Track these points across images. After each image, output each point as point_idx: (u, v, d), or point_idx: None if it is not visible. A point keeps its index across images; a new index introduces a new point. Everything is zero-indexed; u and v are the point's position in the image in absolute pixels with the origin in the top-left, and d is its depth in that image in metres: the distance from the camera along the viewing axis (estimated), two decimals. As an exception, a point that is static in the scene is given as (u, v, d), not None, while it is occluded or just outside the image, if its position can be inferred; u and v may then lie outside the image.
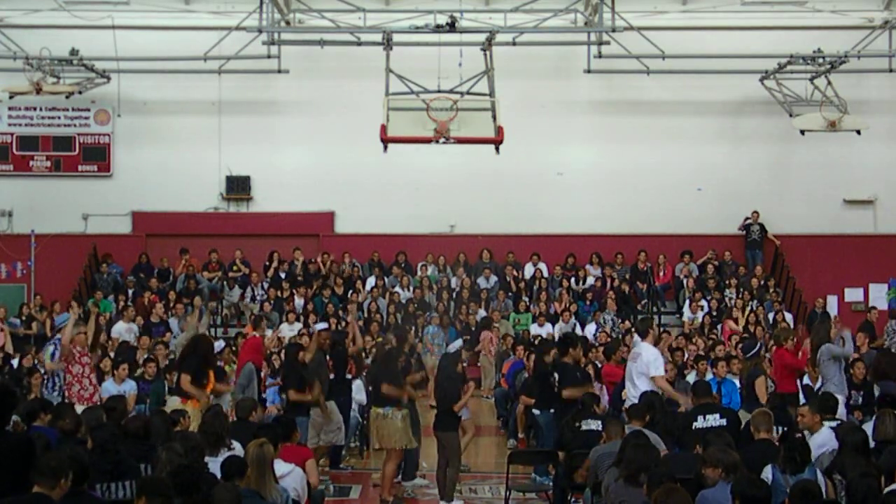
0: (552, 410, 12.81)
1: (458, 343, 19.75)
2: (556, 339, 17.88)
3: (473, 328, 21.24)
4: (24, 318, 20.97)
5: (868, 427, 9.33)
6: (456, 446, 11.95)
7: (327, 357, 13.70)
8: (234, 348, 16.64)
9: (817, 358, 13.28)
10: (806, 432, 9.47)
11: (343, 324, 19.63)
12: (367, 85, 21.33)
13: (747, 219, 23.90)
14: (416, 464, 13.35)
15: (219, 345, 15.59)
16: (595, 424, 10.73)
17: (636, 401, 11.13)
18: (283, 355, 15.24)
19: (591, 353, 16.05)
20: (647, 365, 12.19)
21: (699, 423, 10.16)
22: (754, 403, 12.34)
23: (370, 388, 13.68)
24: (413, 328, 17.90)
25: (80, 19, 22.75)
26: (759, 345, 15.23)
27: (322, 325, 14.40)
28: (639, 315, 22.33)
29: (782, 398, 12.01)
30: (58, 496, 6.34)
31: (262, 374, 14.98)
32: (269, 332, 19.08)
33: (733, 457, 7.61)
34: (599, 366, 15.33)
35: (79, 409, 10.47)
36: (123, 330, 19.59)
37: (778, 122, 23.34)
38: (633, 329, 19.30)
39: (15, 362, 15.66)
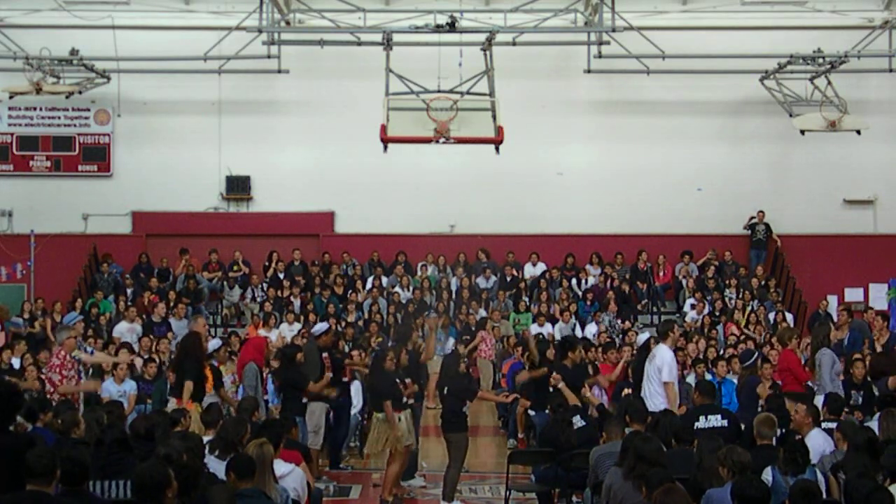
0: (548, 412, 12.84)
1: (452, 342, 19.73)
2: (555, 339, 17.94)
3: (473, 328, 21.24)
4: (26, 317, 20.94)
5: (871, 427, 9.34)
6: (460, 447, 11.95)
7: (322, 354, 13.66)
8: (229, 348, 16.60)
9: (815, 360, 13.29)
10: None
11: (343, 324, 19.64)
12: (367, 85, 21.33)
13: (752, 218, 23.91)
14: (415, 463, 13.37)
15: (215, 343, 15.65)
16: (578, 421, 11.03)
17: (651, 399, 11.27)
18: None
19: (590, 353, 16.07)
20: (659, 368, 12.20)
21: (701, 423, 10.18)
22: (749, 410, 12.36)
23: (368, 395, 13.68)
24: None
25: (80, 19, 22.74)
26: (756, 354, 15.22)
27: (322, 326, 14.37)
28: (638, 315, 22.39)
29: (790, 397, 12.01)
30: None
31: (264, 376, 14.97)
32: (274, 332, 19.15)
33: (743, 457, 7.59)
34: (598, 366, 15.33)
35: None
36: (125, 330, 19.57)
37: (778, 122, 23.34)
38: (634, 329, 19.41)
39: (16, 361, 15.65)
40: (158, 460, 7.07)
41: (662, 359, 12.22)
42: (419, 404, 13.53)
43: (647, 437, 8.12)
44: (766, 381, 13.48)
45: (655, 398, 11.94)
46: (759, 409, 12.77)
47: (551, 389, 12.68)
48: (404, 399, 12.51)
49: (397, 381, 12.47)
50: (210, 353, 13.36)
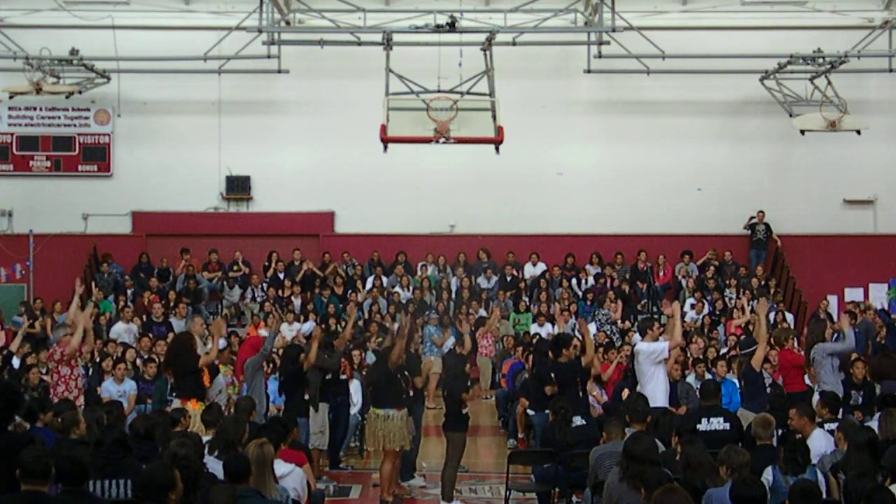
0: (548, 411, 12.85)
1: (452, 341, 19.70)
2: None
3: (473, 328, 21.23)
4: (25, 315, 20.90)
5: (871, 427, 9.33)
6: (458, 447, 11.97)
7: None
8: (230, 349, 16.61)
9: (811, 357, 13.30)
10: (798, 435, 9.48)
11: (343, 323, 19.65)
12: (367, 85, 21.32)
13: (752, 218, 23.92)
14: (413, 464, 13.36)
15: (221, 343, 15.54)
16: (578, 420, 11.08)
17: (651, 400, 11.30)
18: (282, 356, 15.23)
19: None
20: (647, 361, 12.20)
21: (703, 425, 10.18)
22: (754, 400, 12.39)
23: (368, 390, 13.68)
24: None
25: (80, 19, 22.74)
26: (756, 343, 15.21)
27: (309, 325, 14.41)
28: (639, 315, 22.37)
29: (791, 397, 12.02)
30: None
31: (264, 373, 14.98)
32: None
33: (743, 457, 7.60)
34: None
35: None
36: (122, 331, 19.56)
37: (778, 122, 23.34)
38: (633, 329, 19.38)
39: (16, 362, 15.65)
40: (164, 462, 7.06)
41: (644, 352, 12.23)
42: (419, 405, 13.51)
43: (637, 436, 8.13)
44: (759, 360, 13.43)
45: (656, 400, 11.92)
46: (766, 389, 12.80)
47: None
48: (404, 396, 12.50)
49: (399, 377, 12.45)
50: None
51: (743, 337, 18.68)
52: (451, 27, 20.22)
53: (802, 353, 13.92)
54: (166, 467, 6.67)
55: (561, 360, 12.83)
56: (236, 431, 8.88)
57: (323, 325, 17.25)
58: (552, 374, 12.88)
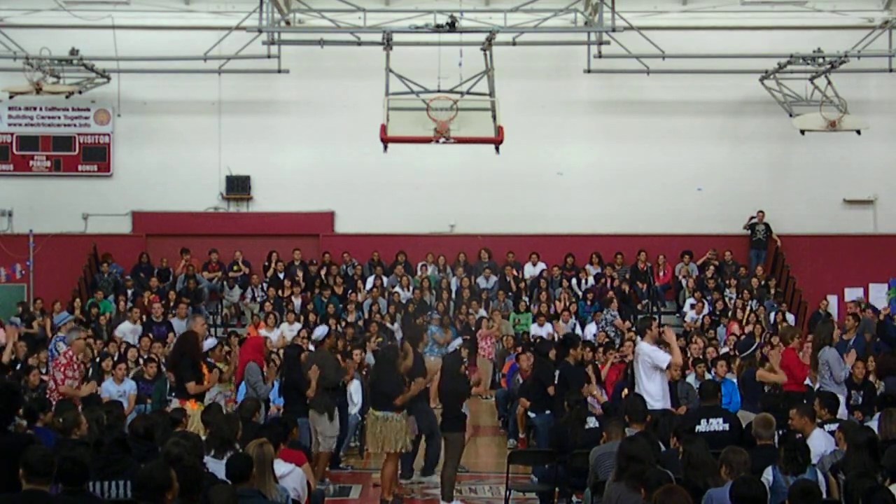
0: (548, 412, 12.84)
1: (458, 341, 19.74)
2: (557, 339, 17.94)
3: (473, 328, 21.25)
4: (23, 316, 20.90)
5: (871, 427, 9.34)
6: (457, 446, 11.97)
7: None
8: (226, 347, 16.60)
9: (817, 358, 13.28)
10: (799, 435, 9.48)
11: (343, 324, 19.68)
12: (367, 85, 21.34)
13: (752, 218, 23.92)
14: (434, 461, 13.32)
15: (211, 342, 15.62)
16: (593, 422, 11.00)
17: (648, 400, 11.29)
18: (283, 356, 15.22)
19: (586, 352, 16.07)
20: (647, 363, 12.19)
21: (702, 426, 10.17)
22: (754, 403, 12.38)
23: (368, 390, 13.68)
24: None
25: (80, 19, 22.75)
26: (755, 344, 15.22)
27: (321, 330, 14.40)
28: (639, 315, 22.38)
29: (788, 396, 12.01)
30: None
31: (265, 375, 14.97)
32: (276, 332, 19.17)
33: (743, 457, 7.61)
34: (598, 366, 15.34)
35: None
36: (128, 330, 19.56)
37: (778, 122, 23.34)
38: (634, 329, 19.40)
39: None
40: (160, 461, 7.05)
41: (646, 353, 12.22)
42: (425, 404, 13.48)
43: (632, 436, 8.15)
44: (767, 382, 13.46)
45: (656, 402, 11.90)
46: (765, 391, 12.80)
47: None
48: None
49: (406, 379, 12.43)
50: (206, 351, 13.34)
51: (743, 337, 18.74)
52: (451, 27, 20.22)
53: (802, 354, 13.89)
54: (163, 467, 6.66)
55: (567, 360, 12.84)
56: (230, 429, 8.89)
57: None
58: (555, 375, 12.88)
